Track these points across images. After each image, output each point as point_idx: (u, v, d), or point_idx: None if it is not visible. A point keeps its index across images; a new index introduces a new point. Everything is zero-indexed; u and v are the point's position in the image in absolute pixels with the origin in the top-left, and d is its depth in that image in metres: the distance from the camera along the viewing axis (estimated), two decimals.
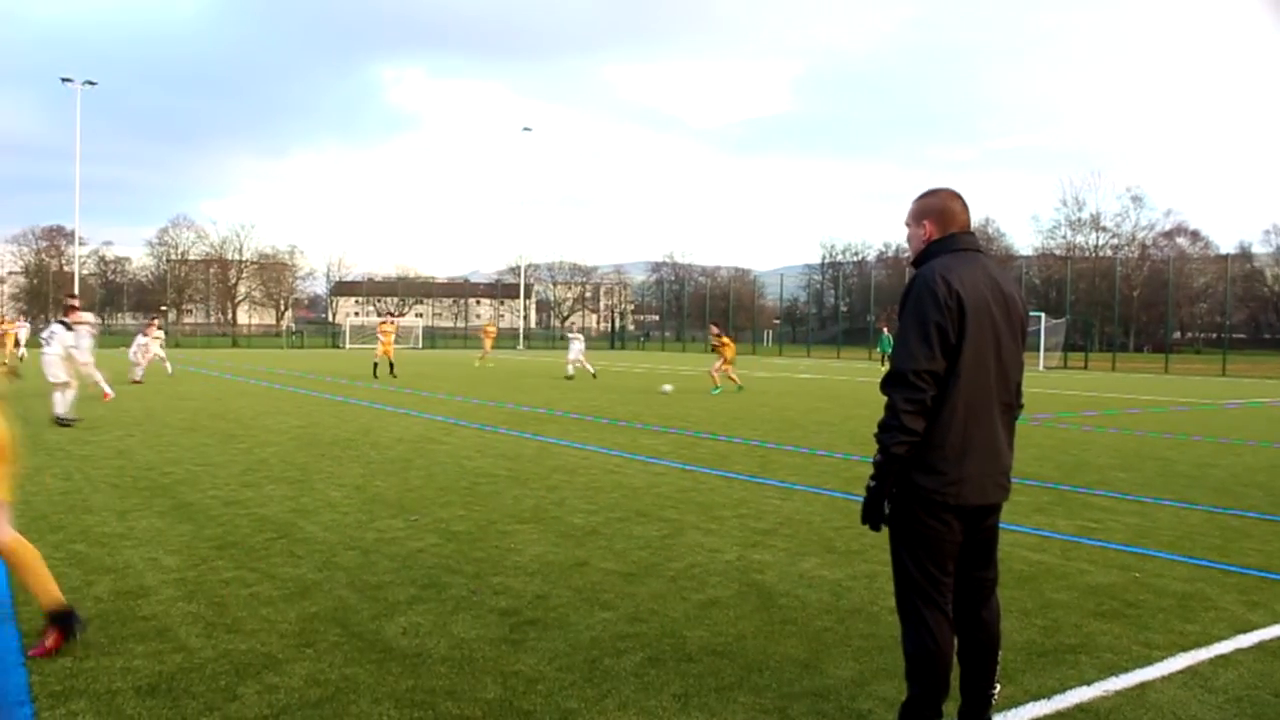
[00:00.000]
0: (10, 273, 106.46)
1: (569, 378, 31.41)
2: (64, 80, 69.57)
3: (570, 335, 33.14)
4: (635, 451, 13.11)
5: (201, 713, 4.26)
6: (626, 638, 5.33)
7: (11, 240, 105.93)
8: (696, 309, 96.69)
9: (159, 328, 31.62)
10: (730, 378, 26.41)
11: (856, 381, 33.05)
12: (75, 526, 7.98)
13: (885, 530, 3.91)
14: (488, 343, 42.15)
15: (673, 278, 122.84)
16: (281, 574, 6.54)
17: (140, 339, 28.37)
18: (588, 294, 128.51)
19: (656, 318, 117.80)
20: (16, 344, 40.63)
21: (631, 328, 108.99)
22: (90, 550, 7.16)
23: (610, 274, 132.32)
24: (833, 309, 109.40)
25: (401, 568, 6.75)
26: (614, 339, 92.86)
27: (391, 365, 31.36)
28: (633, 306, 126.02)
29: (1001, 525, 4.04)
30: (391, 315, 38.21)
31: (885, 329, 49.92)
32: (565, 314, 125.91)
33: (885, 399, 3.71)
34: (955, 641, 3.87)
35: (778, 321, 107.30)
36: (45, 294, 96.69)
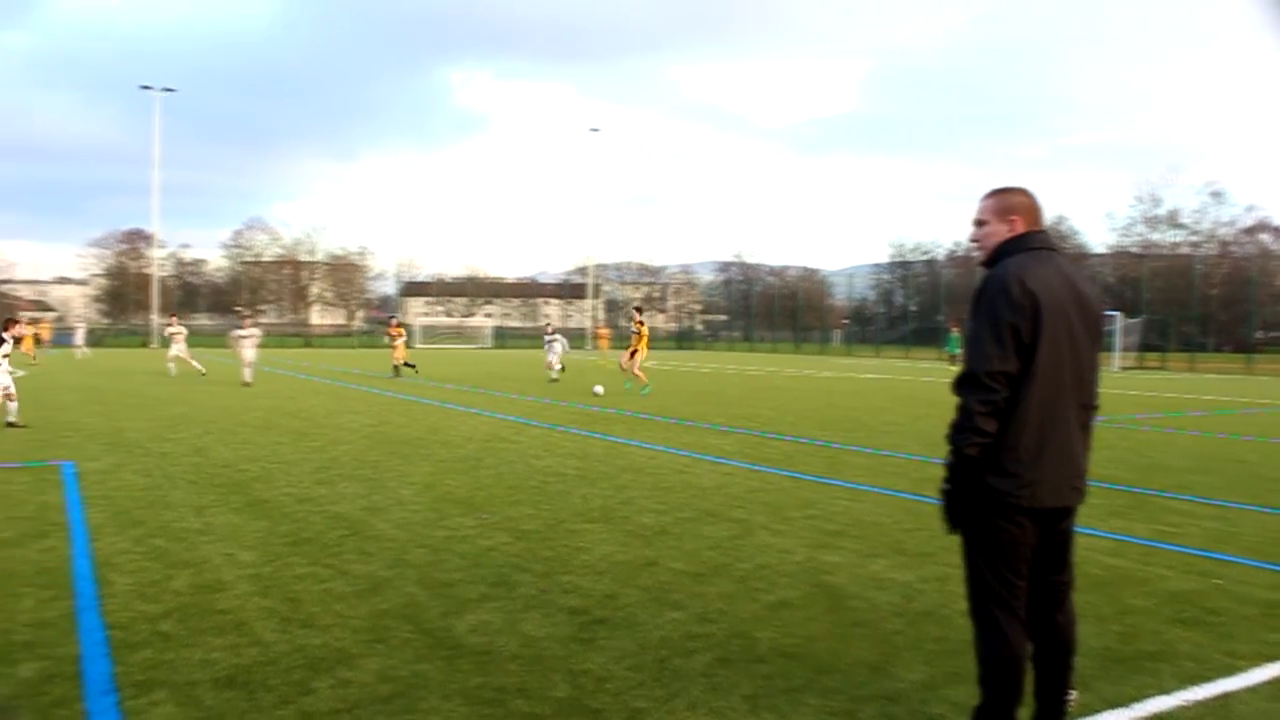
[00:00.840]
0: (93, 275, 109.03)
1: (554, 380, 28.99)
2: (143, 88, 71.30)
3: (549, 338, 31.27)
4: (703, 451, 13.09)
5: (276, 705, 4.33)
6: (696, 638, 5.32)
7: (94, 244, 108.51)
8: (765, 309, 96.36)
9: (178, 325, 31.34)
10: (636, 374, 24.69)
11: (925, 382, 32.70)
12: (155, 522, 8.16)
13: (957, 533, 3.86)
14: (604, 344, 41.65)
15: (740, 277, 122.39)
16: (354, 570, 6.63)
17: (238, 333, 28.57)
18: (655, 294, 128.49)
19: (724, 318, 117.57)
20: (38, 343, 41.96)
21: (699, 328, 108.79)
22: (169, 545, 7.31)
23: (678, 274, 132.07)
24: (901, 309, 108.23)
25: (471, 566, 6.80)
26: (681, 339, 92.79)
27: (402, 365, 30.98)
28: (700, 306, 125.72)
29: (1076, 529, 3.97)
30: (394, 318, 37.45)
31: (954, 329, 49.50)
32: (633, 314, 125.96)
33: (957, 400, 3.67)
34: (1029, 646, 3.82)
35: (846, 321, 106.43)
36: (126, 295, 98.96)
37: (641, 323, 25.17)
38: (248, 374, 25.99)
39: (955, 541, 3.93)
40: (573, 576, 6.56)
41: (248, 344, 26.97)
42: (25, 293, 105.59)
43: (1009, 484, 3.61)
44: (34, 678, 4.60)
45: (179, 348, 29.78)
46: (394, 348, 31.47)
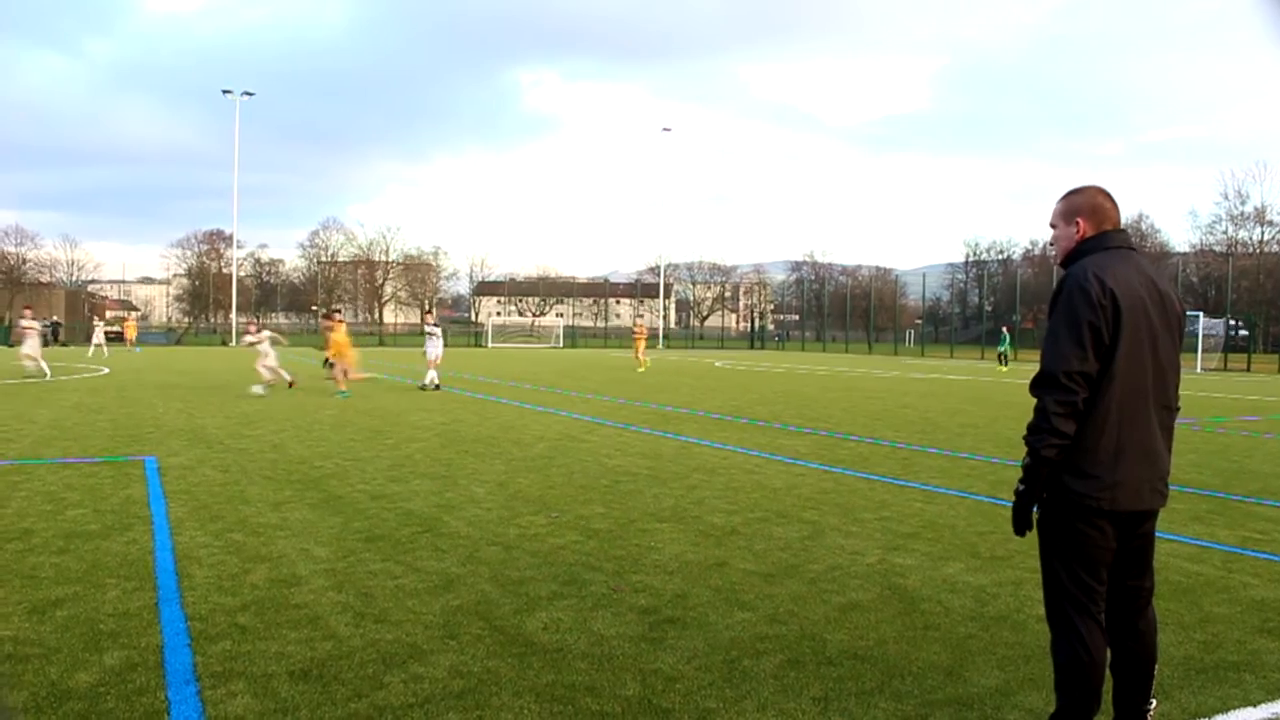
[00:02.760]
0: (175, 275, 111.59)
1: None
2: (224, 93, 72.82)
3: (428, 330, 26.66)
4: (775, 452, 13.04)
5: (350, 699, 4.39)
6: (766, 639, 5.30)
7: (176, 244, 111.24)
8: (837, 309, 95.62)
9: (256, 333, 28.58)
10: (337, 379, 22.46)
11: (1001, 383, 32.23)
12: (233, 516, 8.32)
13: (1033, 536, 3.80)
14: (641, 344, 40.40)
15: (813, 277, 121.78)
16: (426, 567, 6.70)
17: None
18: (727, 293, 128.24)
19: (796, 317, 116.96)
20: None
21: (771, 327, 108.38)
22: (247, 539, 7.45)
23: (750, 273, 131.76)
24: (976, 308, 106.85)
25: (543, 564, 6.84)
26: (753, 339, 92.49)
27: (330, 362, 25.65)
28: (772, 306, 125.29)
29: (1157, 534, 3.89)
30: (338, 310, 35.03)
31: (1006, 329, 49.42)
32: (704, 314, 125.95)
33: (1035, 401, 3.62)
34: (1109, 653, 3.74)
35: (920, 321, 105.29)
36: (206, 295, 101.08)
37: (333, 319, 24.28)
38: (431, 375, 24.68)
39: (1031, 545, 3.87)
40: (643, 576, 6.57)
41: (433, 344, 25.10)
42: (111, 292, 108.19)
43: (1088, 486, 3.55)
44: (118, 666, 4.72)
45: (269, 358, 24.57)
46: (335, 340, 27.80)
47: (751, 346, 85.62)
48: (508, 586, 6.25)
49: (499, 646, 5.11)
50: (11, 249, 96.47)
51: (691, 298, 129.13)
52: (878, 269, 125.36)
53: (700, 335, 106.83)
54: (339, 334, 23.09)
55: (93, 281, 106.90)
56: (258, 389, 22.04)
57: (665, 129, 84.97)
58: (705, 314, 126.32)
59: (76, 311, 79.71)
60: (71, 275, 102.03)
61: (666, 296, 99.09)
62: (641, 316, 72.83)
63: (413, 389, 23.38)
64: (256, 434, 14.28)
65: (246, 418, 16.64)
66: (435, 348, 24.98)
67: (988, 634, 5.46)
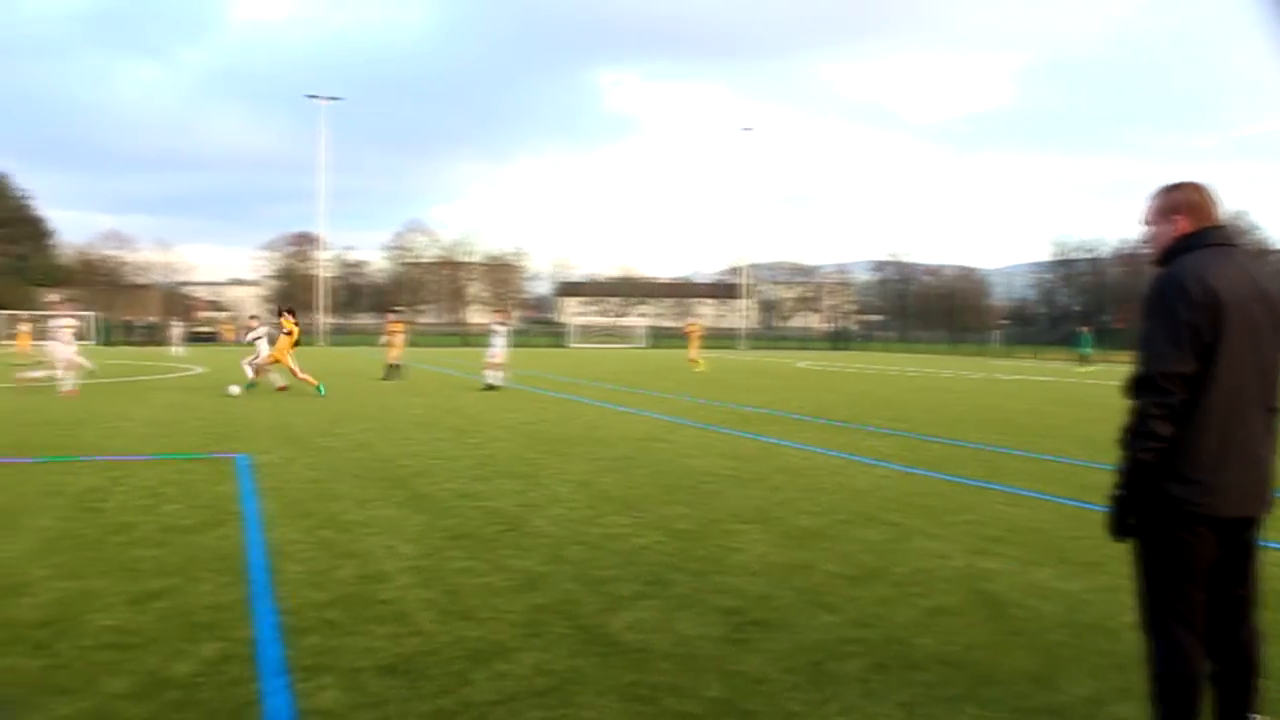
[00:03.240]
0: (264, 276, 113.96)
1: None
2: (310, 97, 74.31)
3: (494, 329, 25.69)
4: (858, 453, 12.92)
5: (436, 694, 4.44)
6: (851, 642, 5.26)
7: (265, 247, 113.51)
8: (921, 309, 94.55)
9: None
10: (267, 370, 22.33)
11: (1087, 384, 31.58)
12: (322, 513, 8.47)
13: (1128, 541, 3.71)
14: (695, 343, 39.37)
15: (896, 277, 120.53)
16: (511, 565, 6.76)
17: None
18: (809, 294, 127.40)
19: (879, 317, 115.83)
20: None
21: (854, 328, 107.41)
22: (336, 536, 7.58)
23: (832, 273, 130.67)
24: (1064, 308, 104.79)
25: (626, 563, 6.86)
26: (836, 339, 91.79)
27: (395, 367, 27.67)
28: (855, 306, 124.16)
29: (1260, 542, 3.77)
30: (397, 311, 33.91)
31: (1087, 329, 48.64)
32: (786, 314, 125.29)
33: (1131, 403, 3.53)
34: (1208, 665, 3.64)
35: (1005, 321, 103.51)
36: (294, 295, 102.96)
37: (261, 320, 24.74)
38: (492, 376, 24.38)
39: (1124, 550, 3.78)
40: (727, 577, 6.56)
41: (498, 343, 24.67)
42: (203, 293, 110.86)
43: (1189, 491, 3.45)
44: (214, 657, 4.84)
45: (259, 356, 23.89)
46: (390, 346, 28.30)
47: (834, 347, 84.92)
48: (591, 586, 6.29)
49: (582, 645, 5.14)
50: (111, 252, 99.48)
51: (773, 298, 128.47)
52: (962, 268, 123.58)
53: (782, 336, 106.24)
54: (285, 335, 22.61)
55: (186, 283, 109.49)
56: (234, 389, 21.34)
57: (746, 128, 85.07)
58: (787, 314, 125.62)
59: (171, 312, 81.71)
60: (166, 277, 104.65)
61: (748, 297, 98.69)
62: (695, 316, 72.33)
63: (499, 390, 23.55)
64: (344, 433, 14.52)
65: (335, 416, 16.93)
66: (499, 347, 24.68)
67: (1079, 641, 5.35)
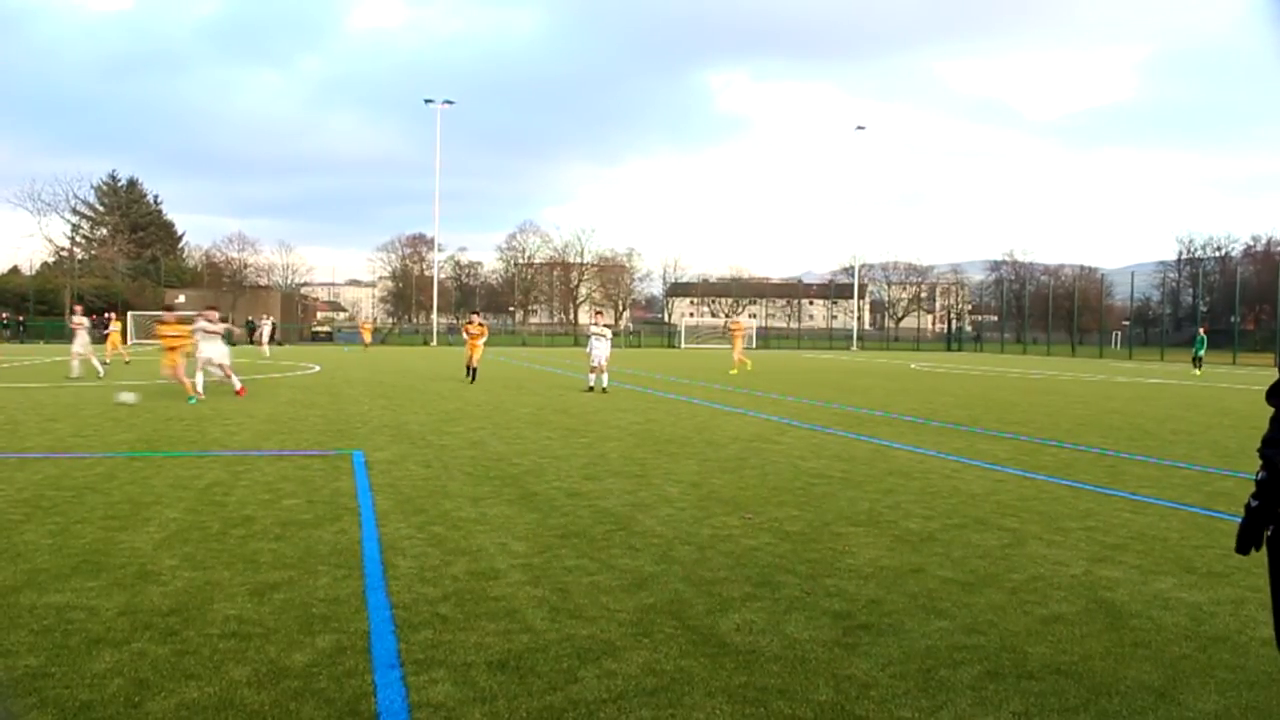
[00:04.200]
0: (380, 278, 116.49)
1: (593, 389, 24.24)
2: (426, 102, 75.82)
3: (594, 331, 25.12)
4: (973, 456, 12.68)
5: (545, 691, 4.48)
6: (963, 649, 5.16)
7: (381, 248, 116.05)
8: (1038, 309, 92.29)
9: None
10: (179, 377, 20.30)
11: (1218, 387, 30.48)
12: (435, 510, 8.62)
13: (1258, 554, 3.56)
14: (738, 344, 38.07)
15: (1012, 276, 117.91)
16: (620, 565, 6.79)
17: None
18: (923, 294, 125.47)
19: (995, 318, 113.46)
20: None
21: (968, 329, 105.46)
22: (448, 532, 7.70)
23: (946, 273, 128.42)
24: (1190, 309, 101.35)
25: (736, 565, 6.84)
26: (950, 341, 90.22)
27: (472, 370, 27.07)
28: (969, 307, 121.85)
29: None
30: (476, 312, 33.12)
31: (1203, 330, 46.80)
32: (899, 315, 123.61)
33: (1272, 410, 3.37)
34: None
35: (1127, 322, 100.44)
36: (409, 296, 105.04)
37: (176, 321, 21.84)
38: (594, 379, 24.19)
39: (1253, 562, 3.62)
40: (837, 580, 6.49)
41: (600, 345, 24.25)
42: (321, 294, 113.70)
43: None
44: (329, 649, 4.95)
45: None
46: (471, 344, 27.52)
47: (948, 348, 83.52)
48: (701, 586, 6.28)
49: (691, 646, 5.13)
50: (235, 254, 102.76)
51: (886, 298, 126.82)
52: (1081, 268, 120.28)
53: (895, 337, 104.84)
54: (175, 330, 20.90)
55: (305, 284, 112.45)
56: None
57: (859, 127, 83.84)
58: (900, 315, 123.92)
59: (290, 313, 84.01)
60: (286, 279, 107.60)
61: (860, 297, 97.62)
62: (835, 318, 71.72)
63: (611, 390, 23.67)
64: (457, 431, 14.75)
65: (447, 415, 17.22)
66: (603, 349, 24.18)
67: (1204, 655, 5.16)
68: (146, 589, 6.01)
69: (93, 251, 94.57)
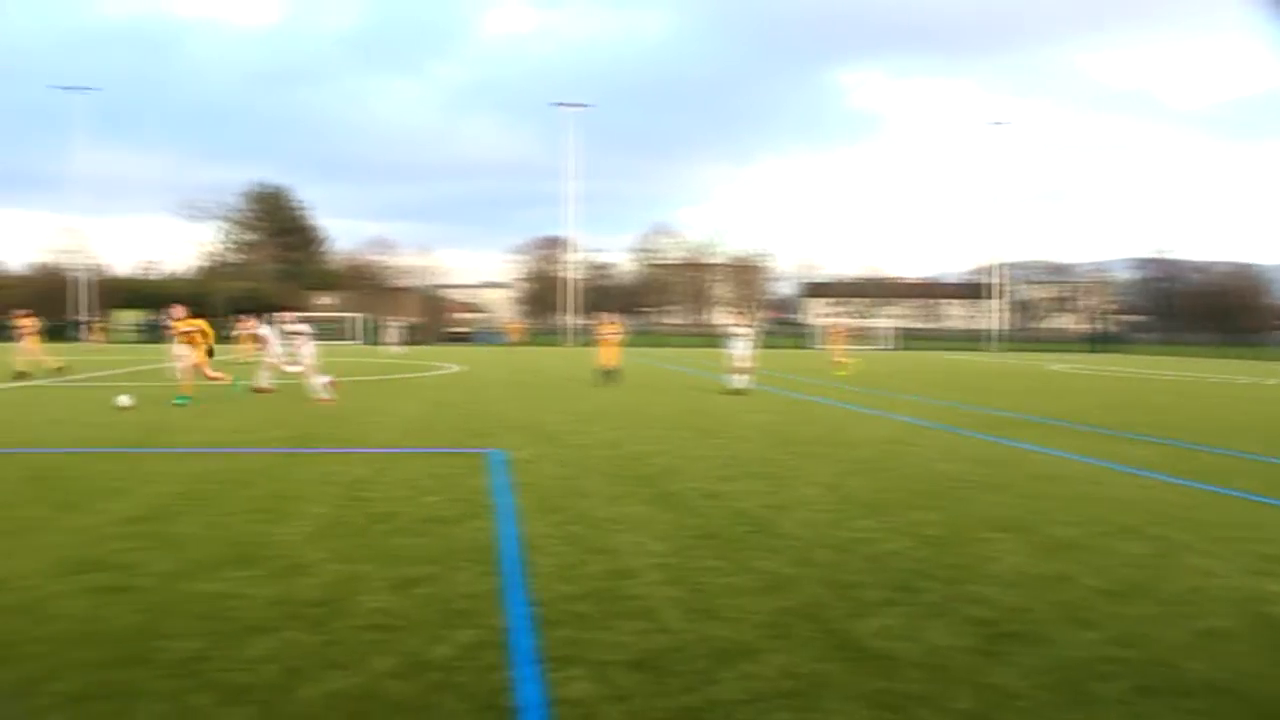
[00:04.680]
0: (516, 279, 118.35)
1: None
2: (559, 105, 76.81)
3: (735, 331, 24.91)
4: (1119, 461, 12.25)
5: (682, 691, 4.49)
6: (1113, 661, 4.98)
7: (516, 251, 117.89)
8: (1189, 309, 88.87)
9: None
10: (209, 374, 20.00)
11: None
12: (572, 509, 8.70)
13: None
14: (840, 344, 37.67)
15: (1161, 275, 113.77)
16: (758, 566, 6.75)
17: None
18: (1065, 294, 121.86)
19: (1142, 318, 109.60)
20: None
21: (1114, 329, 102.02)
22: (585, 532, 7.76)
23: (1090, 272, 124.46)
24: None
25: (874, 569, 6.73)
26: (1094, 342, 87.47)
27: (609, 373, 26.57)
28: (1115, 307, 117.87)
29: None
30: (608, 314, 32.38)
31: None
32: (1040, 315, 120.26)
33: None
34: None
35: None
36: (544, 298, 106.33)
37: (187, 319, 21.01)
38: (735, 380, 23.72)
39: None
40: (979, 586, 6.34)
41: (741, 346, 24.08)
42: (458, 296, 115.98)
43: None
44: (470, 644, 5.05)
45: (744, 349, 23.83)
46: (604, 345, 27.23)
47: (1092, 350, 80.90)
48: (839, 590, 6.20)
49: (830, 650, 5.08)
50: (375, 257, 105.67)
51: (1027, 298, 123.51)
52: (1236, 265, 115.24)
53: (1035, 338, 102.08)
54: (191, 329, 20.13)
55: (443, 286, 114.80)
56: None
57: (997, 123, 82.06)
58: (1041, 315, 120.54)
59: (429, 314, 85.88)
60: (425, 281, 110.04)
61: (1000, 297, 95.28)
62: (973, 318, 70.18)
63: (748, 392, 23.57)
64: (593, 431, 14.88)
65: (584, 415, 17.38)
66: (744, 350, 24.08)
67: None
68: (295, 580, 6.21)
69: (243, 256, 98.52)
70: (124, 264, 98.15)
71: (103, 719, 4.15)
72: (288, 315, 22.04)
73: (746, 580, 6.39)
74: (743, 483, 10.22)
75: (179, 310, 20.53)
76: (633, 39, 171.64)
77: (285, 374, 21.80)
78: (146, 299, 75.23)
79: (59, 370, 26.98)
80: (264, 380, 21.74)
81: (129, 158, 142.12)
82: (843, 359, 36.35)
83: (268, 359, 22.15)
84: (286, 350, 21.53)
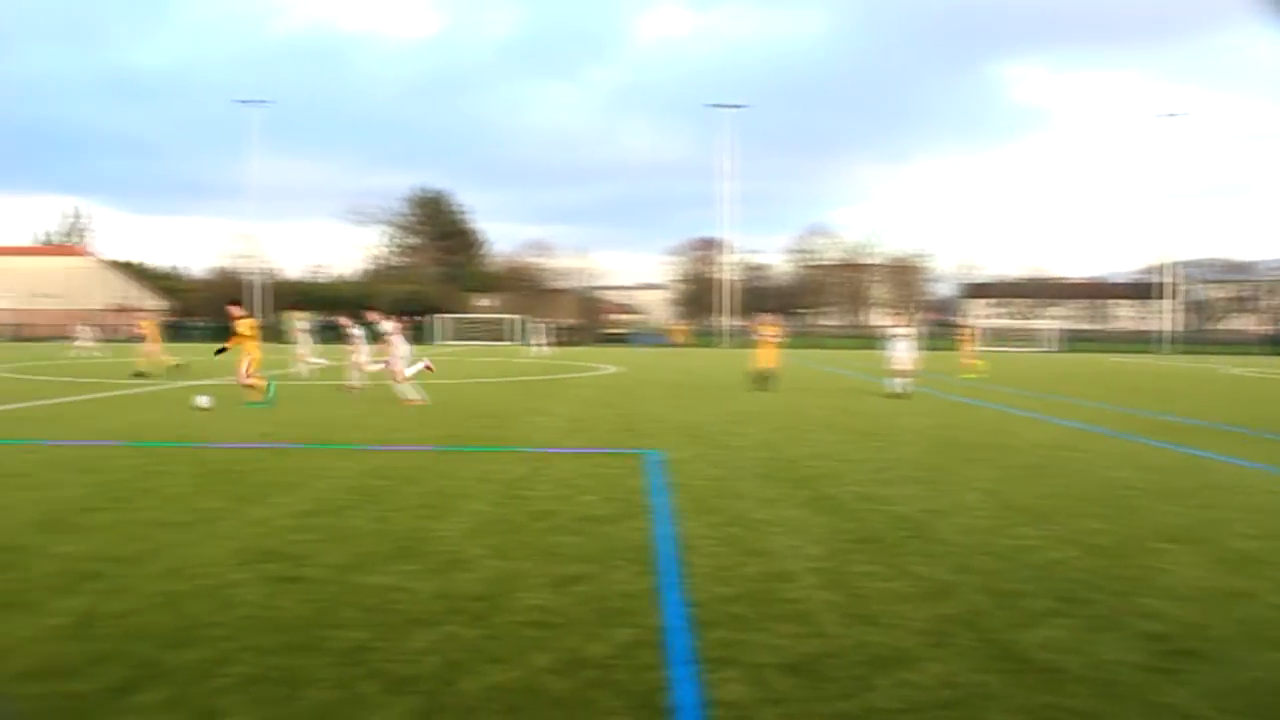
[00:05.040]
0: (672, 281, 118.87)
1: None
2: (715, 106, 77.01)
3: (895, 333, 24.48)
4: None
5: (839, 697, 4.43)
6: None
7: (672, 251, 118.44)
8: None
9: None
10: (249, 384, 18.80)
11: None
12: (729, 511, 8.67)
13: None
14: (968, 345, 35.86)
15: None
16: (916, 572, 6.61)
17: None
18: (1245, 293, 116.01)
19: None
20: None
21: None
22: (742, 533, 7.73)
23: (1273, 270, 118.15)
24: None
25: (1038, 578, 6.52)
26: (1277, 344, 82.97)
27: (766, 376, 25.15)
28: None
29: None
30: (768, 316, 29.81)
31: None
32: (1218, 316, 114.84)
33: None
34: None
35: None
36: (700, 299, 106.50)
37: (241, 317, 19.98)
38: (895, 383, 23.36)
39: None
40: (1152, 600, 6.07)
41: (902, 347, 23.74)
42: (614, 297, 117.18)
43: None
44: (627, 642, 5.08)
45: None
46: (762, 347, 26.15)
47: (1275, 352, 76.80)
48: (1001, 598, 6.03)
49: (990, 660, 4.94)
50: (533, 259, 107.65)
51: (1202, 298, 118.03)
52: None
53: (1212, 340, 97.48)
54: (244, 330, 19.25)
55: (600, 287, 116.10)
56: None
57: (1170, 115, 78.54)
58: (1218, 316, 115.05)
59: (586, 315, 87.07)
60: (582, 282, 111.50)
61: (1172, 297, 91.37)
62: (1144, 319, 67.45)
63: (907, 394, 23.15)
64: (750, 432, 14.83)
65: (740, 416, 17.35)
66: (905, 352, 23.64)
67: None
68: (456, 575, 6.37)
69: (406, 259, 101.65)
70: (295, 267, 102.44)
71: (275, 703, 4.32)
72: (376, 315, 22.36)
73: (905, 586, 6.27)
74: (901, 487, 10.03)
75: (237, 310, 19.86)
76: (787, 38, 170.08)
77: (374, 374, 22.16)
78: (316, 301, 78.28)
79: (178, 369, 28.23)
80: (354, 379, 22.18)
81: (299, 166, 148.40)
82: (972, 360, 35.30)
83: (355, 359, 22.51)
84: (379, 351, 21.68)
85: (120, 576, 6.28)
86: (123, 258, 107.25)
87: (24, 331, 78.87)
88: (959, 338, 38.68)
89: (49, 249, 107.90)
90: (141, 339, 29.39)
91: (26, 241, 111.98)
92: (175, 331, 75.79)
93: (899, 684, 4.60)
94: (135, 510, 8.37)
